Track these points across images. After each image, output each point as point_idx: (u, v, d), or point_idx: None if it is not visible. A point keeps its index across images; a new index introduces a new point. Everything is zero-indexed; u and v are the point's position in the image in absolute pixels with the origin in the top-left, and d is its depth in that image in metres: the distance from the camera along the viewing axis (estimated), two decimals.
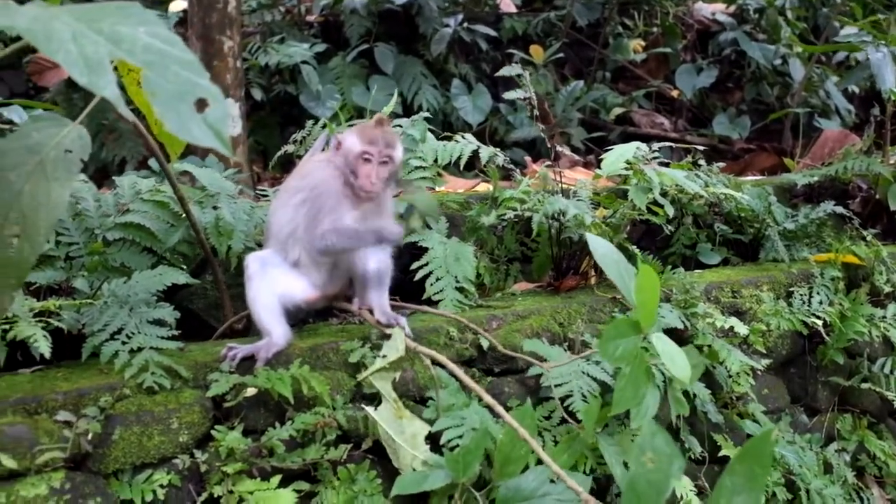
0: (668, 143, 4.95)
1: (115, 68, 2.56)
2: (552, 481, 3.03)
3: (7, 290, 2.25)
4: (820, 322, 4.52)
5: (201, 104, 1.80)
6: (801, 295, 4.69)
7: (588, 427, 3.27)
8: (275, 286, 3.32)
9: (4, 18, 1.64)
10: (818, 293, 4.71)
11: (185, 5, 7.73)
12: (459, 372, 3.29)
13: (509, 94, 4.20)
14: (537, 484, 3.02)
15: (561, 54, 8.97)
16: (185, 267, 3.65)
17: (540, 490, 3.01)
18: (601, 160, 4.29)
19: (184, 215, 3.57)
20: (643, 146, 4.30)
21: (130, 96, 3.13)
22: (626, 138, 8.11)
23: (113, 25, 1.75)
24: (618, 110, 9.17)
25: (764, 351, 4.34)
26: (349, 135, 3.34)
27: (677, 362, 2.77)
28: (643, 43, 9.83)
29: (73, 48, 1.65)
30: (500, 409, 3.08)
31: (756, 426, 4.20)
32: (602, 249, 2.88)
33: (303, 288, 3.39)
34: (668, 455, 1.76)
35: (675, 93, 9.56)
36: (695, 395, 3.93)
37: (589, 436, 3.29)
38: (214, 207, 3.82)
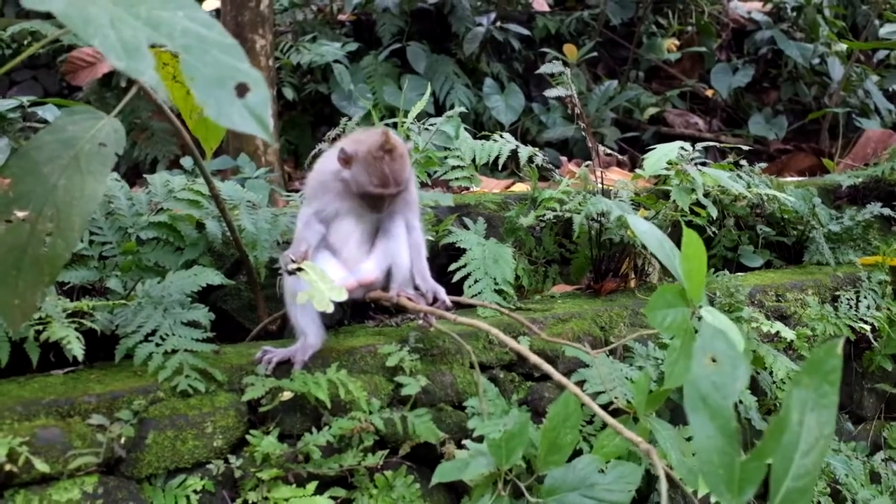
0: (708, 144, 4.84)
1: None
2: (601, 471, 2.89)
3: (39, 286, 2.20)
4: (868, 327, 4.39)
5: (242, 89, 1.72)
6: (848, 299, 4.56)
7: (640, 402, 3.10)
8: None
9: (41, 4, 1.58)
10: (865, 297, 4.58)
11: (217, 4, 7.70)
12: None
13: (550, 93, 4.10)
14: (585, 473, 2.84)
15: (594, 53, 8.86)
16: (219, 267, 3.58)
17: (588, 480, 2.82)
18: (637, 160, 4.19)
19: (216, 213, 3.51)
20: (687, 146, 4.19)
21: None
22: (659, 138, 8.02)
23: (151, 9, 1.68)
24: (652, 110, 9.05)
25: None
26: (359, 165, 3.10)
27: (730, 335, 2.63)
28: (677, 42, 9.70)
29: (111, 33, 1.58)
30: (548, 368, 2.90)
31: None
32: (644, 228, 2.77)
33: (340, 278, 3.30)
34: (731, 357, 1.63)
35: (709, 92, 9.42)
36: (739, 402, 3.81)
37: (640, 410, 3.12)
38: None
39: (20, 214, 2.05)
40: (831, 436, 1.54)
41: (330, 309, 2.85)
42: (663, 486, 2.06)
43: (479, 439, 3.07)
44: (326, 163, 3.29)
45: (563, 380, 2.81)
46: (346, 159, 3.13)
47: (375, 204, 3.16)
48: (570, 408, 2.89)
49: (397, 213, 3.29)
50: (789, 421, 1.53)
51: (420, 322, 3.37)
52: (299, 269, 2.98)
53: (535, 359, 2.87)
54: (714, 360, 1.60)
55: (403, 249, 3.28)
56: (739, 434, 1.56)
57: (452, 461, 2.96)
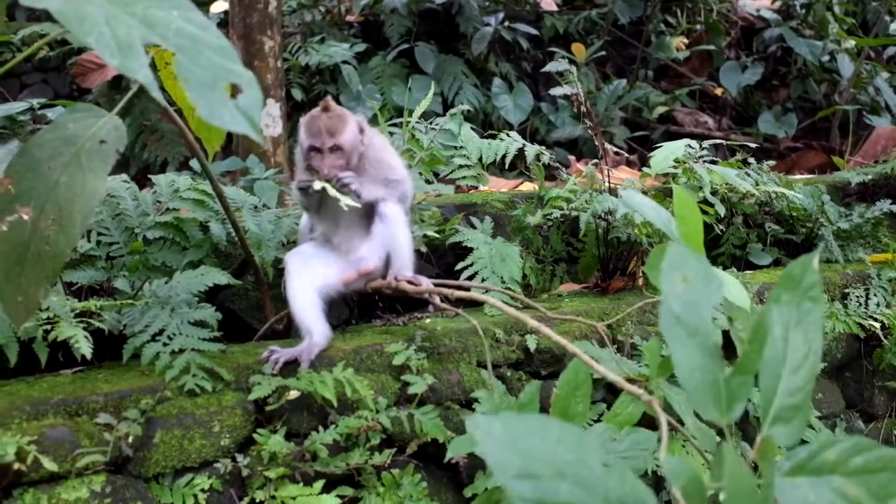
0: (716, 142, 4.83)
1: (153, 62, 2.52)
2: (615, 439, 2.85)
3: (42, 282, 2.20)
4: (878, 325, 4.37)
5: (234, 90, 1.73)
6: (857, 297, 4.54)
7: (652, 368, 3.07)
8: (314, 279, 3.27)
9: (38, 1, 1.59)
10: (875, 295, 4.56)
11: (226, 6, 7.72)
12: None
13: (556, 91, 4.10)
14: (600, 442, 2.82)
15: (603, 53, 8.86)
16: (226, 267, 3.59)
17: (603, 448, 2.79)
18: (646, 158, 4.19)
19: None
20: (693, 144, 4.18)
21: (168, 91, 3.08)
22: (669, 137, 7.99)
23: (146, 8, 1.69)
24: (661, 109, 9.03)
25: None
26: (301, 125, 3.30)
27: (735, 292, 2.60)
28: (686, 40, 9.68)
29: (106, 30, 1.59)
30: (547, 331, 2.82)
31: (811, 432, 4.06)
32: (638, 199, 2.75)
33: (340, 270, 3.34)
34: (703, 274, 1.58)
35: (718, 91, 9.39)
36: (749, 400, 3.79)
37: (653, 375, 3.08)
38: None
39: (22, 212, 2.06)
40: (820, 353, 1.51)
41: (357, 204, 3.13)
42: (664, 426, 1.99)
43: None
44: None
45: (569, 345, 2.72)
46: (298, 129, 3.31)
47: (317, 164, 3.22)
48: (580, 376, 2.82)
49: (387, 196, 3.35)
50: (772, 336, 1.51)
51: (428, 300, 3.45)
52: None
53: (533, 323, 2.78)
54: (686, 280, 1.56)
55: (401, 233, 3.34)
56: (720, 350, 1.53)
57: (465, 435, 2.93)
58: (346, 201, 3.11)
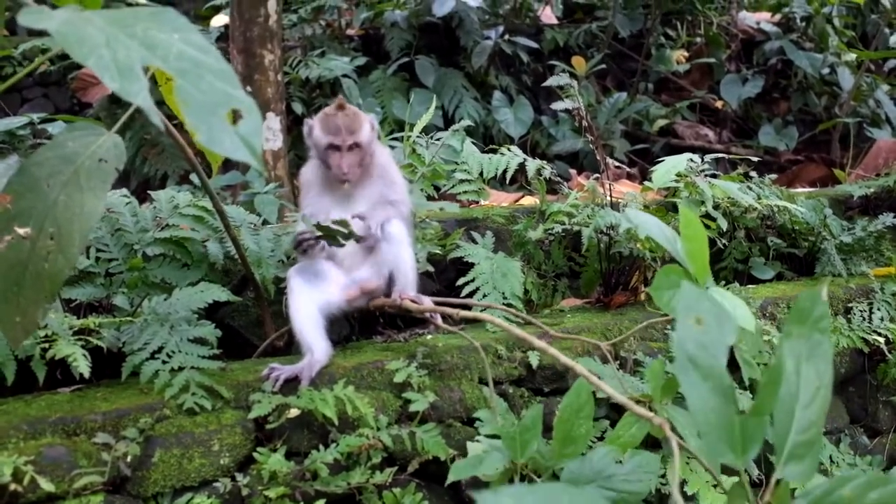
0: (717, 155, 4.81)
1: (154, 78, 2.50)
2: (619, 462, 2.82)
3: (41, 302, 2.18)
4: (882, 339, 4.34)
5: (235, 116, 1.71)
6: (861, 311, 4.51)
7: (655, 390, 3.04)
8: (316, 296, 3.25)
9: (37, 22, 1.57)
10: (879, 309, 4.53)
11: (226, 20, 7.73)
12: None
13: (557, 105, 4.09)
14: (602, 465, 2.74)
15: (603, 66, 8.85)
16: (226, 283, 3.56)
17: (606, 471, 2.72)
18: (647, 172, 4.17)
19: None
20: (696, 158, 4.16)
21: (169, 105, 3.06)
22: (669, 150, 7.98)
23: (147, 31, 1.67)
24: (661, 122, 9.02)
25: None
26: (315, 123, 3.34)
27: (739, 313, 2.59)
28: (686, 53, 9.67)
29: (106, 53, 1.57)
30: (555, 352, 2.81)
31: None
32: (642, 217, 2.74)
33: (342, 286, 3.33)
34: (717, 316, 1.57)
35: (719, 104, 9.39)
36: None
37: (656, 397, 3.06)
38: None
39: (21, 231, 2.04)
40: (830, 386, 1.50)
41: (340, 245, 3.15)
42: (676, 459, 1.97)
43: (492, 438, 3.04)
44: (308, 164, 3.50)
45: (575, 365, 2.70)
46: (309, 129, 3.38)
47: (334, 162, 3.26)
48: (583, 398, 2.82)
49: (392, 216, 3.34)
50: (785, 372, 1.50)
51: (429, 320, 3.43)
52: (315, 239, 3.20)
53: (539, 344, 2.77)
54: (699, 322, 1.55)
55: (405, 252, 3.33)
56: (735, 392, 1.52)
57: (467, 458, 2.92)
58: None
